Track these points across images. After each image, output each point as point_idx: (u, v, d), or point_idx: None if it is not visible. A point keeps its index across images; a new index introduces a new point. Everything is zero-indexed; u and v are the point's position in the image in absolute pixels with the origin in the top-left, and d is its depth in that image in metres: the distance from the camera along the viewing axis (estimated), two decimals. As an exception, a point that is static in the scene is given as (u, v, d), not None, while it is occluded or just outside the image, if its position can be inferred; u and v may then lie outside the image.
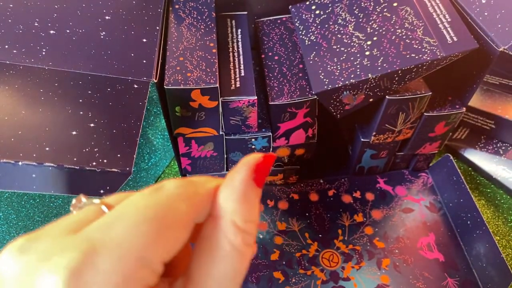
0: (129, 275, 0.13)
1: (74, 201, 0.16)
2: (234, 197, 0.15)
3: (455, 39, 0.34)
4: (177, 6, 0.38)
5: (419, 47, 0.34)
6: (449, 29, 0.34)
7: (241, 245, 0.15)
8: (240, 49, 0.38)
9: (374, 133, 0.41)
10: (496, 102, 0.51)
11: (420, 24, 0.35)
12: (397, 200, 0.47)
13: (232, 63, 0.37)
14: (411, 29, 0.35)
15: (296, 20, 0.41)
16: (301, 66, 0.39)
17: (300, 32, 0.40)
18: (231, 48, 0.38)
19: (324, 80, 0.36)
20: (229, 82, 0.36)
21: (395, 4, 0.36)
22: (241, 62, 0.37)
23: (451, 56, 0.33)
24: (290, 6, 0.42)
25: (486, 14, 0.36)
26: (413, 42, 0.34)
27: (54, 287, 0.12)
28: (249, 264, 0.15)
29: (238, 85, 0.35)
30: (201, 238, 0.16)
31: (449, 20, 0.35)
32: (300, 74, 0.39)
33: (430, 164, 0.49)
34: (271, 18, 0.43)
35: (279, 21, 0.43)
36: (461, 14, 0.36)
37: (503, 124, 0.50)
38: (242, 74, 0.36)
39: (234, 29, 0.40)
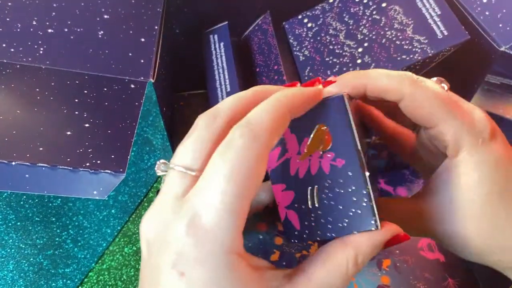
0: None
1: (157, 164, 0.21)
2: None
3: (445, 33, 0.33)
4: None
5: (410, 48, 0.33)
6: (439, 23, 0.33)
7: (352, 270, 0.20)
8: (224, 64, 0.38)
9: (374, 134, 0.41)
10: (497, 102, 0.51)
11: (410, 23, 0.34)
12: (398, 201, 0.46)
13: (218, 81, 0.37)
14: (401, 29, 0.34)
15: (290, 36, 0.40)
16: (276, 67, 0.38)
17: (294, 48, 0.39)
18: (216, 66, 0.38)
19: None
20: (216, 99, 0.36)
21: (384, 5, 0.36)
22: (226, 77, 0.37)
23: (443, 51, 0.33)
24: (284, 23, 0.41)
25: (487, 13, 0.35)
26: (403, 43, 0.33)
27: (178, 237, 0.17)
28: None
29: None
30: (321, 252, 0.21)
31: (438, 13, 0.34)
32: (276, 77, 0.37)
33: (431, 165, 0.49)
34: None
35: (256, 28, 0.42)
36: (461, 12, 0.36)
37: (505, 124, 0.50)
38: (228, 90, 0.36)
39: (217, 45, 0.40)
